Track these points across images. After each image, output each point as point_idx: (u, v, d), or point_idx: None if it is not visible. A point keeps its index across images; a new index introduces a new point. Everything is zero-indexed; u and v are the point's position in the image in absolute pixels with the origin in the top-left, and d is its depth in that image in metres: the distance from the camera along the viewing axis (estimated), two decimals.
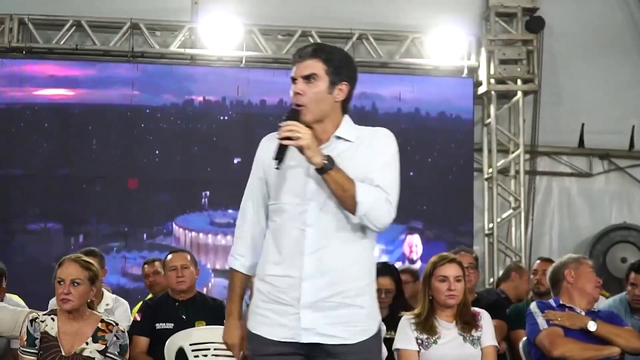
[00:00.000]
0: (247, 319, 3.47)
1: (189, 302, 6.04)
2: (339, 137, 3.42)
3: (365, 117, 9.28)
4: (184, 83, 9.13)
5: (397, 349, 4.94)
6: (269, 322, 3.37)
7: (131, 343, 5.53)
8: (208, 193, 9.02)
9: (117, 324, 4.83)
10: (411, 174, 9.19)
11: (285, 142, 3.26)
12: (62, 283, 4.69)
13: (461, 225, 9.33)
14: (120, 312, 6.21)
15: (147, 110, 9.08)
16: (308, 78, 3.36)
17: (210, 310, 6.02)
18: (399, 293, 6.04)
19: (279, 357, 3.36)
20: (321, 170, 3.25)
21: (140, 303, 6.27)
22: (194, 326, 5.74)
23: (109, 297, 6.34)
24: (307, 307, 3.32)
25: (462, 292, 4.94)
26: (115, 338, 4.74)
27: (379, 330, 3.47)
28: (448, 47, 9.47)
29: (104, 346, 4.70)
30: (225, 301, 3.40)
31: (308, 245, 3.34)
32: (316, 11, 9.24)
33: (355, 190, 3.27)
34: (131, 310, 6.47)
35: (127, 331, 5.29)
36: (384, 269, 6.11)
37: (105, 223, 8.88)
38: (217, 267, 8.83)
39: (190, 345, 5.41)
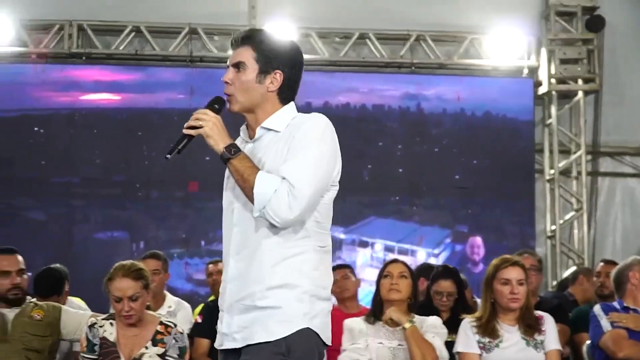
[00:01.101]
0: None
1: None
2: (267, 129, 3.19)
3: (423, 118, 9.25)
4: None
5: (458, 352, 4.91)
6: (218, 329, 3.25)
7: (193, 345, 5.58)
8: None
9: (175, 326, 4.84)
10: (470, 175, 9.14)
11: (186, 131, 3.08)
12: (119, 301, 4.71)
13: (523, 227, 9.22)
14: (182, 314, 6.26)
15: None
16: (237, 66, 3.17)
17: None
18: (460, 296, 6.00)
19: None
20: (222, 159, 3.07)
21: (202, 305, 6.31)
22: None
23: (171, 300, 6.40)
24: (227, 312, 3.17)
25: (524, 296, 4.89)
26: (174, 341, 4.75)
27: (295, 336, 3.06)
28: (507, 47, 9.39)
29: (163, 349, 4.72)
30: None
31: (233, 246, 3.18)
32: (373, 13, 9.22)
33: (255, 181, 3.02)
34: (193, 312, 6.52)
35: (189, 333, 5.33)
36: (444, 272, 6.09)
37: (164, 229, 8.94)
38: None
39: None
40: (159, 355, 4.71)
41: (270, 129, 3.17)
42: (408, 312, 5.00)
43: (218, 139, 3.05)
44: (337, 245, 8.88)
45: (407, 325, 4.87)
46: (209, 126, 3.05)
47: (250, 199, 3.03)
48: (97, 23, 9.14)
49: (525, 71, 9.55)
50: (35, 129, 9.10)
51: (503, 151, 9.36)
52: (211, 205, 8.99)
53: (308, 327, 3.10)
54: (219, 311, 5.98)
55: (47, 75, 9.11)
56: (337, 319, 5.72)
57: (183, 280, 8.69)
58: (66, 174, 8.95)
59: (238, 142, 3.19)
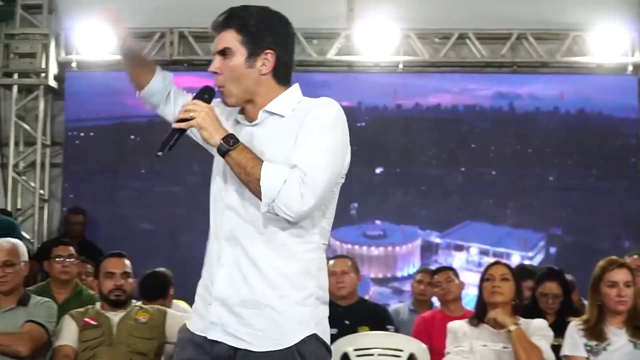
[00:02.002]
0: None
1: (351, 307, 6.04)
2: (270, 112, 2.89)
3: (527, 118, 9.11)
4: (344, 87, 9.19)
5: (565, 356, 4.84)
6: (194, 309, 3.00)
7: None
8: (356, 205, 9.03)
9: None
10: (566, 176, 8.98)
11: (177, 125, 2.81)
12: None
13: (629, 227, 8.98)
14: None
15: None
16: (223, 53, 2.89)
17: (372, 316, 6.02)
18: (566, 298, 5.89)
19: (191, 348, 2.92)
20: (220, 152, 2.76)
21: None
22: (356, 331, 5.74)
23: None
24: (217, 299, 2.86)
25: (632, 298, 4.81)
26: None
27: (303, 344, 2.82)
28: (611, 44, 9.19)
29: None
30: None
31: (226, 230, 2.88)
32: (473, 12, 9.13)
33: (260, 173, 2.71)
34: None
35: None
36: (550, 274, 5.99)
37: None
38: (375, 275, 8.84)
39: (355, 350, 5.41)
40: None
41: (273, 113, 2.89)
42: (513, 314, 4.95)
43: (212, 131, 2.76)
44: (433, 249, 8.88)
45: (512, 327, 4.81)
46: (202, 117, 2.77)
47: (256, 193, 2.74)
48: (198, 30, 9.25)
49: (630, 68, 9.33)
50: (132, 137, 9.27)
51: (602, 150, 9.15)
52: None
53: (315, 334, 2.85)
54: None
55: None
56: (441, 321, 5.71)
57: None
58: (168, 183, 9.06)
59: (231, 124, 2.95)
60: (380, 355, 5.41)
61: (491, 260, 7.99)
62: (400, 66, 9.31)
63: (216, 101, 2.97)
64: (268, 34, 2.90)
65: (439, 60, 9.30)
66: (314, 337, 2.83)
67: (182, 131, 2.83)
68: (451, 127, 9.19)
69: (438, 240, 8.93)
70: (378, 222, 8.91)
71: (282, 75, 2.94)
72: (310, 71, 9.35)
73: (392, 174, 9.13)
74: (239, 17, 2.90)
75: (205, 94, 2.90)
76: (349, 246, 8.80)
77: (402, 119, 9.14)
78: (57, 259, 5.99)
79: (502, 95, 9.14)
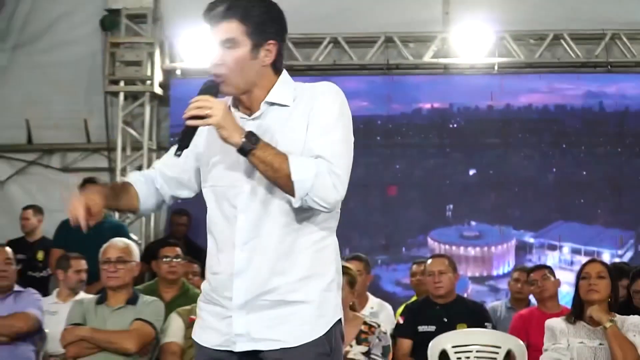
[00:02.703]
0: None
1: (450, 305, 6.06)
2: (271, 103, 2.78)
3: (617, 117, 8.95)
4: (437, 89, 9.18)
5: None
6: (204, 326, 2.82)
7: (395, 345, 5.63)
8: (451, 206, 9.01)
9: (379, 326, 4.89)
10: None
11: (192, 122, 2.67)
12: None
13: None
14: (384, 315, 6.33)
15: (405, 121, 9.21)
16: (227, 44, 2.73)
17: (470, 313, 6.02)
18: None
19: None
20: (242, 152, 2.62)
21: (403, 306, 6.35)
22: (455, 328, 5.75)
23: (373, 301, 6.48)
24: (240, 309, 2.71)
25: None
26: (377, 340, 4.81)
27: (332, 330, 2.77)
28: None
29: (367, 348, 4.78)
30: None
31: (239, 235, 2.73)
32: (567, 13, 9.00)
33: (290, 168, 2.60)
34: (394, 313, 6.58)
35: (391, 334, 5.38)
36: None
37: (366, 236, 9.02)
38: (473, 274, 8.83)
39: (453, 347, 5.42)
40: (363, 353, 4.78)
41: (275, 103, 2.79)
42: (609, 311, 4.90)
43: (231, 129, 2.62)
44: (527, 249, 8.83)
45: (608, 324, 4.77)
46: (221, 115, 2.62)
47: (286, 188, 2.64)
48: (297, 36, 9.24)
49: None
50: None
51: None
52: (404, 214, 9.04)
53: (340, 319, 2.81)
54: (419, 312, 6.06)
55: None
56: (538, 319, 5.69)
57: (392, 284, 8.74)
58: None
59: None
60: (478, 352, 5.41)
61: (583, 259, 7.96)
62: (496, 67, 9.25)
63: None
64: (270, 24, 2.78)
65: (534, 61, 9.20)
66: (339, 322, 2.81)
67: (196, 128, 2.71)
68: (542, 127, 9.09)
69: (532, 240, 8.87)
70: (473, 223, 8.89)
71: (279, 65, 2.83)
72: (408, 74, 9.36)
73: (485, 176, 9.07)
74: (242, 7, 2.73)
75: (213, 89, 2.74)
76: (447, 247, 8.79)
77: (496, 119, 9.07)
78: (164, 259, 6.09)
79: (593, 94, 9.00)
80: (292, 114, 2.76)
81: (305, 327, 2.72)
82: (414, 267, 7.19)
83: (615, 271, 5.21)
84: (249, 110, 2.81)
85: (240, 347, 2.72)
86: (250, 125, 2.74)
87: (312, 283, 2.73)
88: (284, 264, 2.72)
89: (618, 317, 4.89)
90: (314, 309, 2.73)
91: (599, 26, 9.04)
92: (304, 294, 2.72)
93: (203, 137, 2.84)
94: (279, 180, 2.63)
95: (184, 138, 2.72)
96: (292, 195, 2.63)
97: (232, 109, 2.81)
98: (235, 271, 2.71)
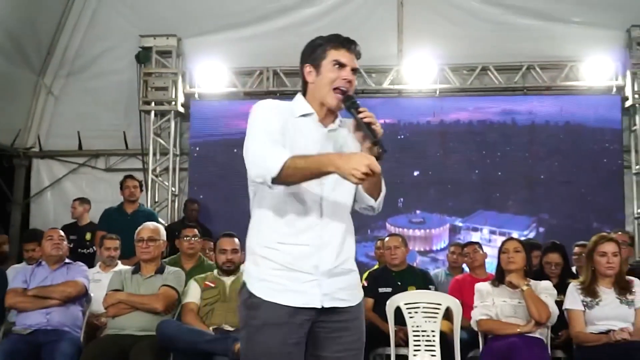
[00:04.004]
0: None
1: (402, 272, 6.03)
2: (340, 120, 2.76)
3: (527, 130, 8.95)
4: (390, 109, 9.14)
5: (567, 309, 4.76)
6: (283, 289, 2.59)
7: None
8: (402, 199, 9.02)
9: None
10: (575, 172, 8.79)
11: (375, 127, 2.59)
12: None
13: (615, 212, 8.77)
14: None
15: None
16: (355, 72, 2.75)
17: (418, 278, 5.99)
18: (565, 265, 5.80)
19: (291, 324, 2.58)
20: (380, 158, 2.55)
21: (366, 273, 6.30)
22: (406, 290, 5.72)
23: None
24: (324, 274, 2.62)
25: (618, 265, 4.73)
26: None
27: None
28: (599, 71, 8.98)
29: None
30: (322, 167, 2.47)
31: (325, 217, 2.64)
32: (492, 49, 8.98)
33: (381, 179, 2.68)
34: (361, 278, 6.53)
35: None
36: (553, 247, 5.90)
37: None
38: (419, 249, 8.84)
39: (405, 304, 5.39)
40: None
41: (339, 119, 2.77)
42: (525, 277, 4.89)
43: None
44: (457, 230, 8.88)
45: (525, 287, 4.77)
46: (379, 127, 2.61)
47: (378, 191, 2.73)
48: (287, 68, 9.28)
49: (614, 90, 9.09)
50: (235, 150, 9.34)
51: (598, 152, 8.92)
52: None
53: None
54: (379, 278, 6.01)
55: (250, 107, 9.37)
56: (470, 283, 5.67)
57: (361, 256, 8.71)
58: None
59: (304, 123, 2.71)
60: (424, 308, 5.37)
61: (499, 238, 8.04)
62: (437, 92, 9.23)
63: (279, 104, 2.78)
64: None
65: (467, 87, 9.19)
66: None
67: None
68: (468, 138, 9.08)
69: (460, 224, 8.89)
70: (418, 211, 8.90)
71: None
72: (370, 97, 9.33)
73: (426, 176, 9.09)
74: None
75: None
76: (400, 229, 8.76)
77: (434, 132, 9.06)
78: (185, 238, 6.09)
79: (508, 112, 9.01)
80: (344, 128, 2.76)
81: (356, 291, 2.73)
82: (378, 243, 7.17)
83: (528, 246, 5.20)
84: (324, 119, 2.74)
85: (327, 304, 2.61)
86: (330, 135, 2.71)
87: (354, 260, 2.77)
88: (346, 240, 2.71)
89: (532, 282, 4.88)
90: (357, 277, 2.76)
91: (517, 59, 9.04)
92: (353, 264, 2.75)
93: (288, 129, 2.68)
94: (378, 185, 2.73)
95: (374, 134, 2.58)
96: (376, 198, 2.74)
97: (308, 117, 2.74)
98: (321, 244, 2.63)
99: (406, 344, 5.31)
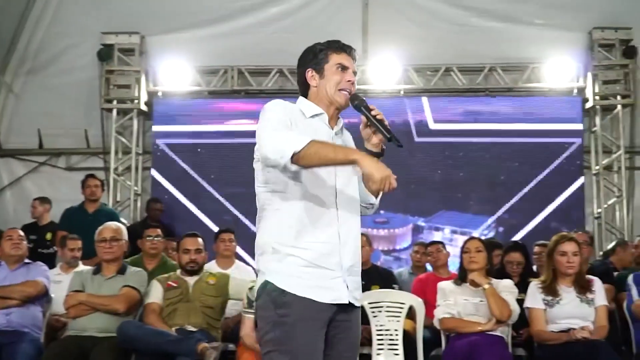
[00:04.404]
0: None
1: (366, 271, 5.96)
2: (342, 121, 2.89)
3: (489, 130, 9.05)
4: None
5: (528, 307, 4.82)
6: (313, 285, 2.61)
7: None
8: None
9: None
10: (536, 172, 8.90)
11: (386, 124, 2.75)
12: None
13: (574, 211, 8.91)
14: None
15: None
16: (355, 74, 2.88)
17: (382, 277, 6.03)
18: (527, 264, 5.87)
19: (321, 321, 2.62)
20: (382, 154, 2.79)
21: None
22: (370, 289, 5.73)
23: None
24: (347, 271, 2.69)
25: (578, 264, 4.79)
26: None
27: None
28: (561, 73, 9.12)
29: None
30: (348, 155, 2.59)
31: (341, 213, 2.70)
32: (456, 51, 9.06)
33: None
34: None
35: None
36: (514, 246, 5.97)
37: None
38: (383, 248, 8.87)
39: (369, 303, 5.40)
40: None
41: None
42: (486, 276, 4.93)
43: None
44: (420, 230, 8.94)
45: (486, 286, 4.81)
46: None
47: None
48: (252, 67, 9.25)
49: (575, 91, 9.24)
50: (199, 150, 9.27)
51: (559, 153, 9.06)
52: None
53: None
54: None
55: (214, 106, 9.34)
56: (433, 282, 5.70)
57: None
58: (231, 186, 8.94)
59: (315, 123, 2.78)
60: (388, 307, 5.40)
61: (460, 237, 8.11)
62: (402, 92, 9.28)
63: (287, 104, 2.81)
64: None
65: (430, 87, 9.25)
66: None
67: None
68: (432, 138, 9.12)
69: (423, 224, 8.96)
70: (382, 212, 8.94)
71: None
72: None
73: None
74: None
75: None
76: (364, 229, 8.79)
77: (398, 132, 9.04)
78: (147, 238, 6.04)
79: (470, 112, 9.09)
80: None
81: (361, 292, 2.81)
82: None
83: (490, 245, 5.26)
84: (330, 122, 2.84)
85: (350, 300, 2.68)
86: (337, 137, 2.83)
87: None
88: (358, 239, 2.79)
89: (494, 281, 4.93)
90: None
91: (480, 60, 9.12)
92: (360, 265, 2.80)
93: (300, 129, 2.71)
94: None
95: (388, 129, 2.73)
96: (376, 195, 2.84)
97: (318, 117, 2.81)
98: (340, 242, 2.68)
99: (369, 344, 5.32)
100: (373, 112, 2.75)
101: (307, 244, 2.64)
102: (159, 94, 9.41)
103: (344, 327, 2.70)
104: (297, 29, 9.16)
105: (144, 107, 9.36)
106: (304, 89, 2.89)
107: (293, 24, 9.22)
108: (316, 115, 2.81)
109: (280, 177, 2.67)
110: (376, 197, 2.87)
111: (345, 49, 2.86)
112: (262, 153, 2.62)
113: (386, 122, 2.74)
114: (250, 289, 4.79)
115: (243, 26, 9.24)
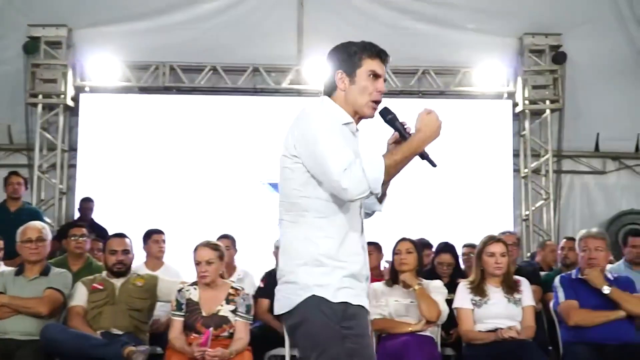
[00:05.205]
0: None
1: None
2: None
3: None
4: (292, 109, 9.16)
5: (456, 307, 4.88)
6: (357, 295, 2.65)
7: (256, 304, 5.56)
8: None
9: (243, 289, 4.84)
10: (466, 174, 9.07)
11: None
12: (199, 264, 4.72)
13: (504, 213, 9.11)
14: (248, 281, 6.25)
15: None
16: (383, 80, 2.81)
17: None
18: (457, 265, 5.97)
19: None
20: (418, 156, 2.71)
21: (264, 273, 6.28)
22: None
23: (240, 270, 6.39)
24: (365, 280, 2.75)
25: (506, 265, 4.88)
26: (242, 300, 4.74)
27: None
28: (491, 77, 9.34)
29: (234, 307, 4.71)
30: (413, 150, 2.64)
31: (362, 227, 2.75)
32: (390, 53, 9.10)
33: None
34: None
35: (253, 295, 5.32)
36: (445, 248, 6.05)
37: None
38: None
39: None
40: (231, 311, 4.71)
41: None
42: (417, 277, 4.99)
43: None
44: None
45: (417, 287, 4.86)
46: None
47: (385, 186, 2.75)
48: (184, 64, 9.18)
49: (505, 95, 9.48)
50: (128, 147, 9.07)
51: (489, 156, 9.25)
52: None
53: None
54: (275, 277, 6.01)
55: (144, 103, 9.20)
56: None
57: None
58: (157, 186, 8.90)
59: (343, 130, 2.69)
60: None
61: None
62: None
63: (328, 118, 2.67)
64: None
65: None
66: None
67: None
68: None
69: None
70: None
71: None
72: (269, 96, 9.33)
73: None
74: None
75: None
76: None
77: None
78: (72, 238, 5.89)
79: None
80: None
81: None
82: (276, 243, 7.14)
83: (420, 245, 5.32)
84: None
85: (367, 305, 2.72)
86: (357, 141, 2.76)
87: None
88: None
89: (424, 281, 4.98)
90: None
91: (413, 63, 9.25)
92: None
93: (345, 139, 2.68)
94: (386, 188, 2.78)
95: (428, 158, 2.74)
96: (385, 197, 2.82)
97: (350, 126, 2.74)
98: (364, 252, 2.71)
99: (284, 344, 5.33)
100: (407, 129, 2.69)
101: (348, 257, 2.62)
102: (87, 89, 9.24)
103: (363, 333, 2.72)
104: (231, 26, 9.12)
105: (70, 103, 9.17)
106: (329, 90, 2.76)
107: (227, 20, 9.18)
108: (348, 123, 2.72)
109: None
110: (381, 203, 2.82)
111: (381, 55, 2.73)
112: (340, 189, 2.50)
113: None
114: (180, 290, 4.74)
115: (176, 22, 9.14)
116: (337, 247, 2.60)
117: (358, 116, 2.75)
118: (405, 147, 2.58)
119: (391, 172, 2.53)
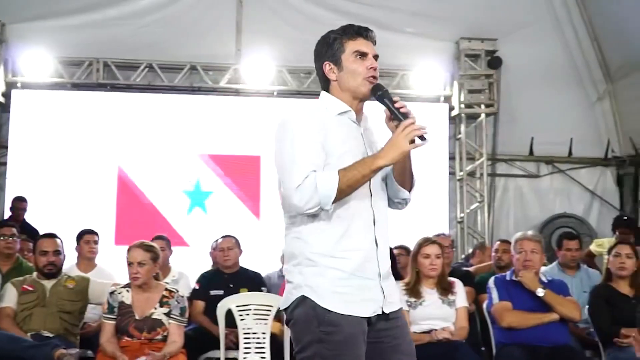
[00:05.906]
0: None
1: (235, 274, 6.05)
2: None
3: None
4: (230, 108, 9.15)
5: None
6: (356, 299, 2.53)
7: (191, 306, 5.53)
8: None
9: (177, 291, 4.80)
10: None
11: (407, 112, 2.63)
12: (131, 265, 4.67)
13: (439, 215, 9.26)
14: (183, 282, 6.21)
15: None
16: (376, 58, 2.70)
17: (250, 280, 6.03)
18: (393, 265, 6.03)
19: (363, 334, 2.54)
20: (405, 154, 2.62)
21: (199, 275, 6.26)
22: (239, 292, 5.74)
23: (175, 271, 6.35)
24: (384, 278, 2.60)
25: (441, 266, 4.96)
26: (176, 302, 4.71)
27: None
28: (428, 81, 9.47)
29: (168, 309, 4.68)
30: (371, 166, 2.49)
31: (377, 216, 2.62)
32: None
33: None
34: None
35: (188, 297, 5.29)
36: None
37: None
38: None
39: (237, 306, 5.41)
40: (164, 314, 4.67)
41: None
42: None
43: None
44: None
45: None
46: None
47: (410, 182, 2.73)
48: (119, 61, 9.04)
49: (442, 99, 9.62)
50: (60, 145, 8.90)
51: (425, 159, 9.38)
52: None
53: None
54: (211, 280, 6.00)
55: (77, 99, 9.03)
56: None
57: None
58: (89, 184, 8.76)
59: (342, 121, 2.64)
60: (255, 310, 5.42)
61: None
62: (275, 93, 9.32)
63: (309, 118, 2.60)
64: None
65: (304, 89, 9.32)
66: None
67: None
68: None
69: None
70: None
71: None
72: (207, 95, 9.27)
73: None
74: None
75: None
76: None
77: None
78: (1, 237, 5.75)
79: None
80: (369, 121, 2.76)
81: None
82: (212, 244, 7.11)
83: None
84: (358, 119, 2.70)
85: (387, 309, 2.59)
86: (360, 131, 2.68)
87: None
88: (388, 243, 2.69)
89: None
90: None
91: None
92: None
93: (330, 130, 2.58)
94: (410, 175, 2.72)
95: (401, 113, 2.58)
96: (410, 189, 2.73)
97: (345, 114, 2.67)
98: (377, 246, 2.58)
99: (236, 347, 5.33)
100: (397, 105, 2.60)
101: (346, 252, 2.53)
102: (18, 84, 9.00)
103: (395, 334, 2.62)
104: (168, 23, 9.04)
105: (1, 99, 8.93)
106: (324, 84, 2.72)
107: (164, 17, 9.07)
108: (343, 112, 2.66)
109: None
110: (409, 190, 2.73)
111: (362, 33, 2.67)
112: (289, 203, 2.48)
113: (411, 116, 2.58)
114: (112, 293, 4.68)
115: (111, 17, 8.99)
116: (334, 243, 2.54)
117: (358, 100, 2.70)
118: (363, 165, 2.50)
119: (344, 189, 2.47)
